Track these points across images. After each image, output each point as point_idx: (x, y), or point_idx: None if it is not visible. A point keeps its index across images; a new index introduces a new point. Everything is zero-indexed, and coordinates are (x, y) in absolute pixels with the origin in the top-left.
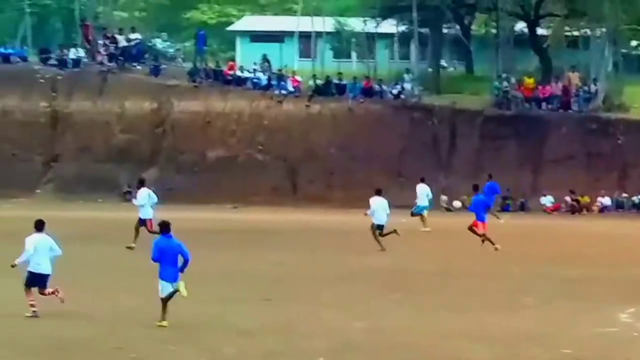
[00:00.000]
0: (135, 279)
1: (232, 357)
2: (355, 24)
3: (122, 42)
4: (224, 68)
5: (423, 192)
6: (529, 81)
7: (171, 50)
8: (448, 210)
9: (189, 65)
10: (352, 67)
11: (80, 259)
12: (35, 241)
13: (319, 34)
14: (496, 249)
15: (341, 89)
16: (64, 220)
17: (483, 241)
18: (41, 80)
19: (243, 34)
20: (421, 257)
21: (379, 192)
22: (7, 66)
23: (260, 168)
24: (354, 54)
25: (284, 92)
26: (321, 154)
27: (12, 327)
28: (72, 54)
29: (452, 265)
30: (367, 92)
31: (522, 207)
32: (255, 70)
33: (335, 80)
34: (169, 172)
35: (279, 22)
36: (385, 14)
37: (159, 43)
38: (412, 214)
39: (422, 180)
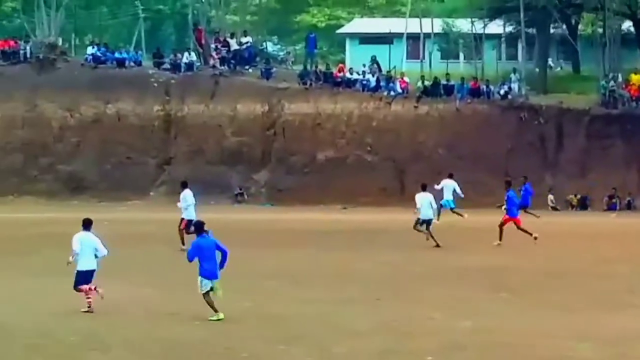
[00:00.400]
0: (244, 281)
1: (342, 356)
2: (463, 25)
3: (234, 45)
4: (334, 70)
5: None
6: (636, 79)
7: (282, 53)
8: (555, 209)
9: (299, 68)
10: (460, 67)
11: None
12: (81, 239)
13: (427, 35)
14: (535, 237)
15: (449, 90)
16: (175, 222)
17: (500, 237)
18: (155, 84)
19: (352, 36)
20: (522, 256)
21: (424, 188)
22: (122, 71)
23: (369, 169)
24: (461, 55)
25: (392, 93)
26: (428, 154)
27: (125, 329)
28: (185, 58)
29: (554, 265)
30: (475, 93)
31: (629, 206)
32: (364, 72)
33: (443, 81)
34: (280, 174)
35: (387, 24)
36: (492, 15)
37: (269, 46)
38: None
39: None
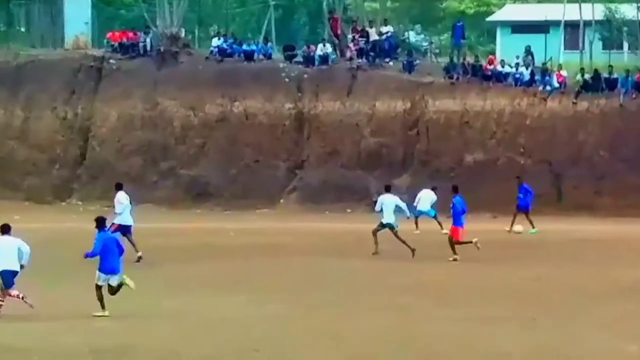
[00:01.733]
0: (378, 296)
1: None
2: (628, 10)
3: (373, 35)
4: (483, 63)
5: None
6: None
7: (425, 43)
8: None
9: (444, 60)
10: (624, 58)
11: (331, 273)
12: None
13: (587, 23)
14: (455, 259)
15: (612, 84)
16: (311, 232)
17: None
18: (286, 80)
19: (504, 24)
20: None
21: (388, 189)
22: (250, 65)
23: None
24: (625, 45)
25: (548, 88)
26: (588, 157)
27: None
28: (319, 50)
29: None
30: None
31: None
32: (517, 64)
33: (605, 74)
34: (422, 178)
35: (543, 10)
36: None
37: (412, 36)
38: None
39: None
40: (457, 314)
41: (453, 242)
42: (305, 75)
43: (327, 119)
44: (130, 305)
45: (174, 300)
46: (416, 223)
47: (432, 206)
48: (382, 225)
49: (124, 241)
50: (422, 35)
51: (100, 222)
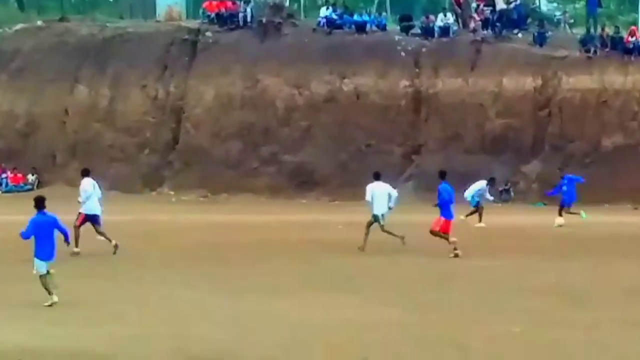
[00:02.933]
0: (512, 299)
1: None
2: None
3: (500, 4)
4: (624, 34)
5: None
6: None
7: (559, 13)
8: None
9: (580, 32)
10: None
11: (451, 272)
12: None
13: None
14: (456, 253)
15: None
16: (427, 226)
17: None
18: (402, 54)
19: None
20: None
21: (377, 177)
22: (362, 37)
23: None
24: None
25: None
26: None
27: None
28: (440, 20)
29: None
30: None
31: None
32: None
33: None
34: (554, 165)
35: None
36: None
37: (543, 4)
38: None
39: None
40: (600, 317)
41: (440, 234)
42: (424, 49)
43: (447, 99)
44: (230, 309)
45: (278, 302)
46: (479, 214)
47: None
48: (376, 218)
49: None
50: (555, 4)
51: (38, 202)
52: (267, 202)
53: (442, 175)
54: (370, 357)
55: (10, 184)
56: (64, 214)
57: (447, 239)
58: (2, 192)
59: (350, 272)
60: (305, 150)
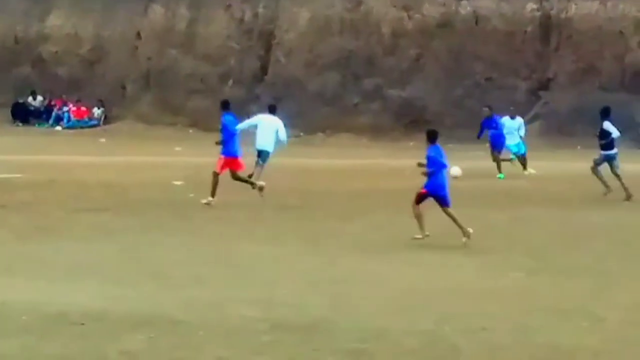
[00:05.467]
0: None
1: None
2: None
3: None
4: None
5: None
6: None
7: None
8: None
9: None
10: None
11: (588, 230)
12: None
13: None
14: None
15: None
16: (558, 174)
17: None
18: None
19: None
20: None
21: (271, 110)
22: None
23: None
24: None
25: None
26: None
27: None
28: None
29: None
30: None
31: None
32: None
33: None
34: None
35: None
36: None
37: None
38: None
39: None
40: None
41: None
42: None
43: (581, 25)
44: (323, 270)
45: (379, 264)
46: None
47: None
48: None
49: None
50: None
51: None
52: (368, 143)
53: (432, 137)
54: (490, 328)
55: (73, 118)
56: (134, 155)
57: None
58: (64, 128)
59: (472, 228)
60: (414, 84)
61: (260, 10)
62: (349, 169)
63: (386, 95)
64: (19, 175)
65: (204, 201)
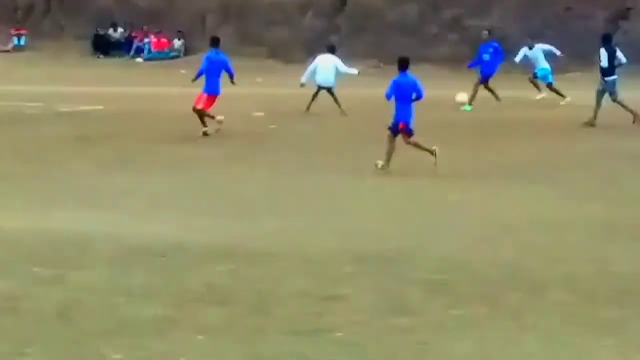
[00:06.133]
0: None
1: None
2: None
3: None
4: None
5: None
6: None
7: None
8: None
9: None
10: None
11: None
12: None
13: None
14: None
15: None
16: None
17: None
18: None
19: None
20: None
21: (330, 49)
22: None
23: None
24: None
25: None
26: None
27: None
28: None
29: None
30: None
31: None
32: None
33: None
34: None
35: None
36: None
37: None
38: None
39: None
40: None
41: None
42: None
43: None
44: (402, 200)
45: (459, 194)
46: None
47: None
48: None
49: None
50: None
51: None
52: (448, 74)
53: (402, 64)
54: (570, 258)
55: (153, 50)
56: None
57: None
58: (145, 60)
59: (550, 159)
60: (493, 14)
61: None
62: (428, 100)
63: (465, 26)
64: (100, 107)
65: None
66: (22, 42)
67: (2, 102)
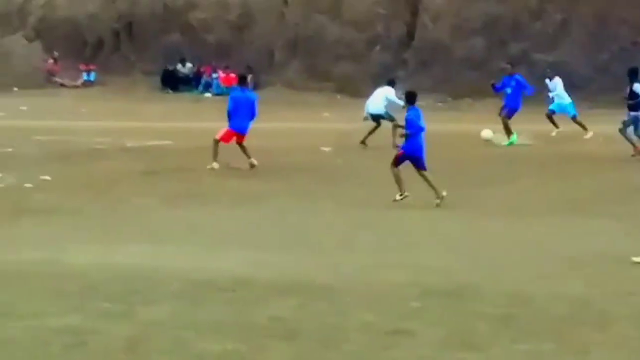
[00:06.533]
0: None
1: None
2: None
3: None
4: None
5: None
6: None
7: None
8: None
9: None
10: None
11: None
12: None
13: None
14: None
15: None
16: None
17: None
18: None
19: None
20: None
21: (389, 82)
22: None
23: None
24: None
25: None
26: None
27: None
28: None
29: None
30: None
31: None
32: None
33: None
34: None
35: None
36: None
37: None
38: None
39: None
40: None
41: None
42: None
43: None
44: (469, 234)
45: (526, 227)
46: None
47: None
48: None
49: None
50: None
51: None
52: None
53: (410, 98)
54: (637, 293)
55: (222, 85)
56: (282, 121)
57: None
58: (213, 95)
59: (610, 192)
60: (561, 49)
61: None
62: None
63: (532, 60)
64: (169, 142)
65: (209, 166)
66: (92, 78)
67: (72, 138)
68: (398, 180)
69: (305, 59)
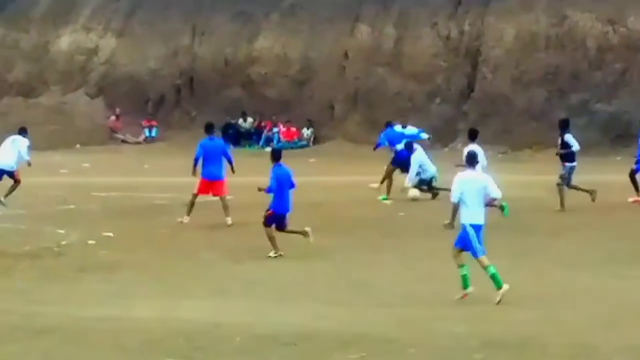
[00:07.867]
0: None
1: None
2: None
3: None
4: None
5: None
6: None
7: None
8: None
9: None
10: None
11: None
12: None
13: None
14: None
15: None
16: None
17: None
18: None
19: None
20: None
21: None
22: None
23: None
24: None
25: None
26: None
27: None
28: None
29: None
30: None
31: None
32: None
33: None
34: None
35: None
36: None
37: None
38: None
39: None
40: None
41: None
42: None
43: None
44: (531, 285)
45: (588, 279)
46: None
47: None
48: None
49: None
50: None
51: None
52: (578, 159)
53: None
54: None
55: (283, 139)
56: (343, 175)
57: None
58: None
59: None
60: (621, 98)
61: (466, 27)
62: (551, 185)
63: (593, 110)
64: (229, 197)
65: (179, 219)
66: (154, 134)
67: (134, 194)
68: (271, 240)
69: (366, 112)
